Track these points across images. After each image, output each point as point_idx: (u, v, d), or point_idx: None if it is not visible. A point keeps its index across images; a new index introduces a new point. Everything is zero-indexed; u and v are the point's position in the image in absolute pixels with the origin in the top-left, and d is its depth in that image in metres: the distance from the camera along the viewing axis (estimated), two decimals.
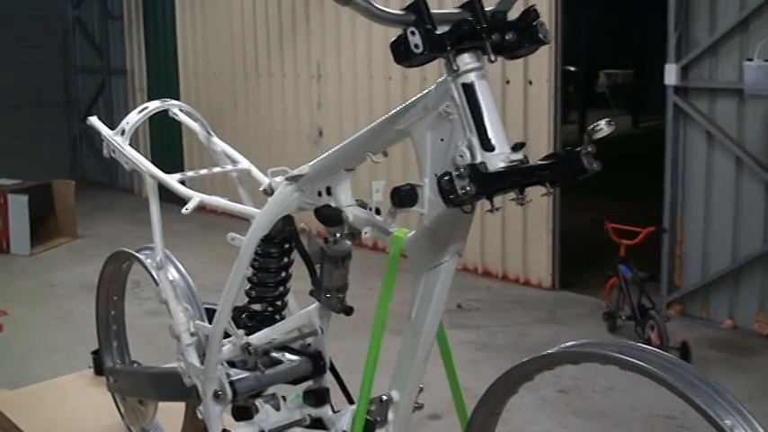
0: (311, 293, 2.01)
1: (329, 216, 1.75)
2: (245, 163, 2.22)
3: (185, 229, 6.88)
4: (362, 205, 1.75)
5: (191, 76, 8.43)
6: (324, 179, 1.78)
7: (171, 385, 2.11)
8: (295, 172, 1.84)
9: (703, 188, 4.80)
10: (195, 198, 1.96)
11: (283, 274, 2.06)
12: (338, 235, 1.77)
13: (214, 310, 2.09)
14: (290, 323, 2.02)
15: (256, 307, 2.08)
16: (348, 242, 1.80)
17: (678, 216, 4.92)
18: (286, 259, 2.05)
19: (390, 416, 1.68)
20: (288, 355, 2.05)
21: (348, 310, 1.96)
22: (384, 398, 1.68)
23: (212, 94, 8.14)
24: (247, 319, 2.06)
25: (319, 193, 1.80)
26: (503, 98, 5.67)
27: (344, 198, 1.75)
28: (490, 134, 1.40)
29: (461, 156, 1.41)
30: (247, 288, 2.08)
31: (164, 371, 2.21)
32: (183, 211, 1.94)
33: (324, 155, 1.79)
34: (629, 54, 14.81)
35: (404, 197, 1.52)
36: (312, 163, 1.81)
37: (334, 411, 2.04)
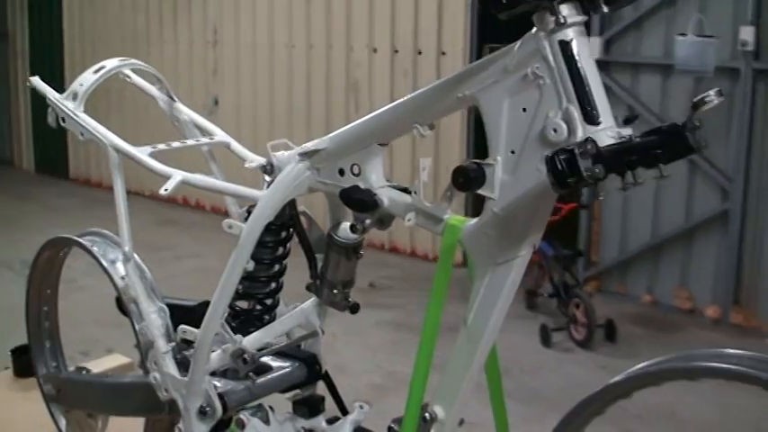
0: (309, 288, 1.74)
1: (360, 200, 1.47)
2: (220, 135, 1.90)
3: (68, 205, 6.35)
4: (398, 187, 1.49)
5: (76, 42, 7.81)
6: (348, 155, 1.51)
7: (139, 398, 1.79)
8: (310, 146, 1.56)
9: None
10: (176, 176, 1.63)
11: (277, 266, 1.77)
12: (367, 222, 1.50)
13: (178, 307, 1.79)
14: (285, 324, 1.75)
15: (242, 304, 1.78)
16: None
17: (596, 192, 4.88)
18: (281, 249, 1.76)
19: None
20: (278, 361, 1.77)
21: (355, 308, 1.70)
22: (428, 416, 1.43)
23: (99, 60, 7.49)
24: (230, 319, 1.77)
25: (341, 172, 1.53)
26: (414, 69, 5.49)
27: (376, 178, 1.49)
28: (596, 103, 1.17)
29: (555, 130, 1.18)
30: None
31: (131, 382, 1.87)
32: (163, 191, 1.62)
33: (349, 125, 1.52)
34: None
35: (471, 178, 1.28)
36: (333, 135, 1.54)
37: (328, 422, 1.78)
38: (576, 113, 1.17)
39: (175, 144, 1.80)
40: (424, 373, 1.42)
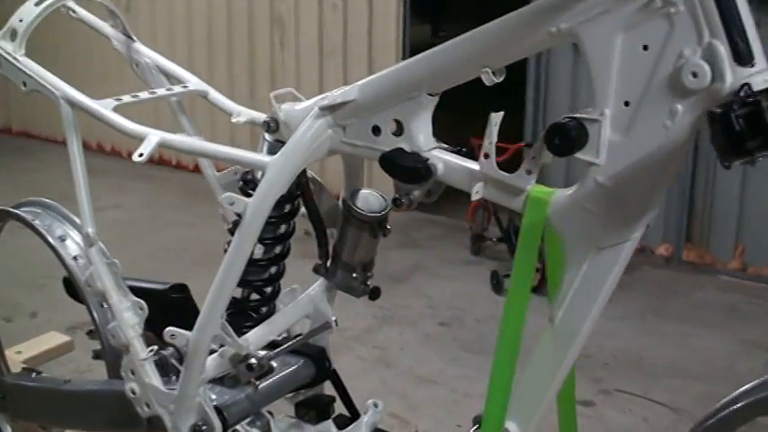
0: (318, 271, 1.44)
1: (411, 168, 1.17)
2: (194, 82, 1.55)
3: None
4: (451, 149, 1.19)
5: None
6: (386, 109, 1.21)
7: (109, 411, 1.47)
8: (334, 98, 1.23)
9: (567, 104, 4.55)
10: (151, 137, 1.29)
11: (278, 248, 1.45)
12: (415, 194, 1.20)
13: (143, 292, 1.47)
14: (290, 315, 1.46)
15: (235, 294, 1.47)
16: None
17: (540, 132, 4.68)
18: (285, 226, 1.44)
19: None
20: (280, 358, 1.47)
21: (376, 293, 1.42)
22: None
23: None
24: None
25: (376, 130, 1.23)
26: (344, 2, 5.13)
27: (424, 138, 1.19)
28: (750, 39, 0.90)
29: (694, 73, 0.90)
30: None
31: (98, 391, 1.53)
32: (137, 157, 1.28)
33: (387, 71, 1.21)
34: None
35: (573, 139, 0.99)
36: (364, 83, 1.23)
37: (338, 427, 1.51)
38: (723, 51, 0.89)
39: (143, 95, 1.46)
40: (504, 388, 1.14)
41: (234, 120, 1.48)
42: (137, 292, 1.50)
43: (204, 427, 1.35)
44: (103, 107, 1.37)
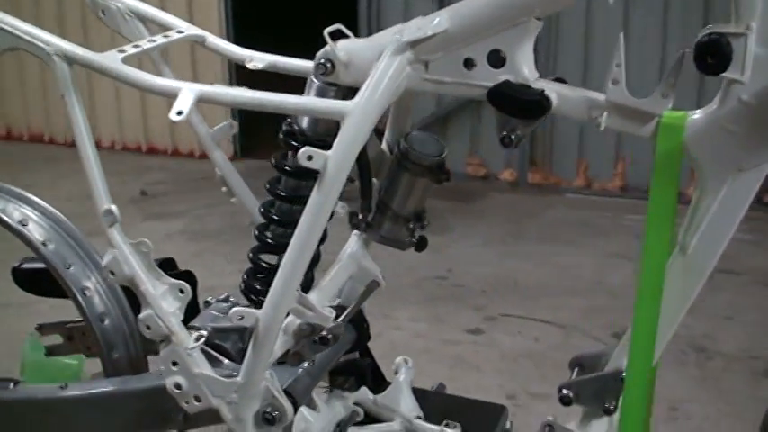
0: (357, 225, 1.32)
1: (531, 100, 1.07)
2: (186, 27, 1.35)
3: None
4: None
5: None
6: (484, 39, 1.09)
7: (133, 413, 1.29)
8: (424, 30, 1.10)
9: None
10: (188, 92, 1.10)
11: None
12: (523, 130, 1.10)
13: None
14: (339, 277, 1.32)
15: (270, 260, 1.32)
16: None
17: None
18: None
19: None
20: None
21: (423, 244, 1.32)
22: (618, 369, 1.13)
23: None
24: (251, 280, 1.31)
25: (469, 63, 1.11)
26: None
27: (529, 69, 1.09)
28: None
29: None
30: (256, 233, 1.31)
31: (119, 391, 1.30)
32: (175, 116, 1.09)
33: None
34: None
35: (727, 54, 0.95)
36: (453, 10, 1.11)
37: (374, 391, 1.42)
38: None
39: (145, 44, 1.24)
40: (650, 333, 1.09)
41: (251, 65, 1.30)
42: None
43: (275, 413, 1.20)
44: (111, 61, 1.15)
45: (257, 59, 1.31)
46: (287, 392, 1.22)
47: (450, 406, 1.42)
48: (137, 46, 1.23)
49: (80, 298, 1.35)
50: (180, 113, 1.10)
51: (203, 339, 1.22)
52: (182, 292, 1.22)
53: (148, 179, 4.82)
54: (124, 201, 4.31)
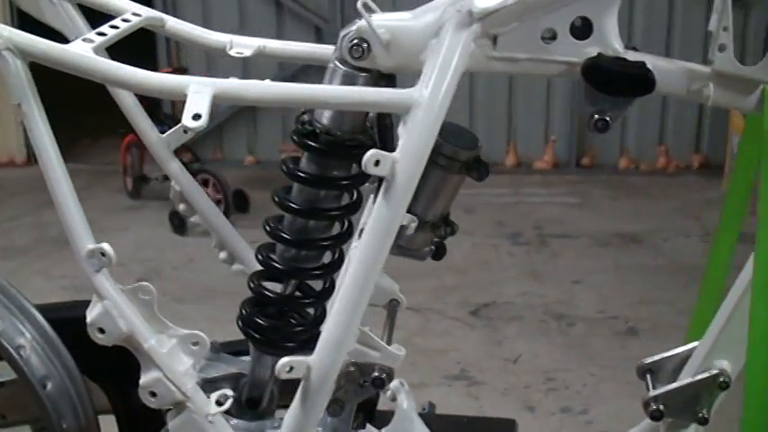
0: None
1: (637, 74, 0.95)
2: (144, 9, 1.11)
3: None
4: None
5: None
6: (568, 5, 0.96)
7: None
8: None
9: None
10: (201, 89, 0.89)
11: (339, 224, 1.12)
12: (610, 115, 0.98)
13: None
14: None
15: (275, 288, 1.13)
16: None
17: None
18: (351, 192, 1.11)
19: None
20: None
21: (441, 252, 1.19)
22: (722, 379, 1.06)
23: None
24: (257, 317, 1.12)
25: (551, 35, 0.97)
26: None
27: (616, 39, 0.97)
28: None
29: None
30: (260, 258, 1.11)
31: None
32: (190, 122, 0.88)
33: None
34: None
35: None
36: None
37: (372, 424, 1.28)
38: None
39: (108, 30, 1.00)
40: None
41: (233, 53, 1.10)
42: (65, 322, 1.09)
43: None
44: (84, 50, 0.91)
45: (240, 45, 1.10)
46: None
47: (460, 427, 1.31)
48: (101, 33, 0.98)
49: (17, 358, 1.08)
50: (197, 117, 0.88)
51: (230, 401, 1.00)
52: (195, 344, 1.00)
53: None
54: None
